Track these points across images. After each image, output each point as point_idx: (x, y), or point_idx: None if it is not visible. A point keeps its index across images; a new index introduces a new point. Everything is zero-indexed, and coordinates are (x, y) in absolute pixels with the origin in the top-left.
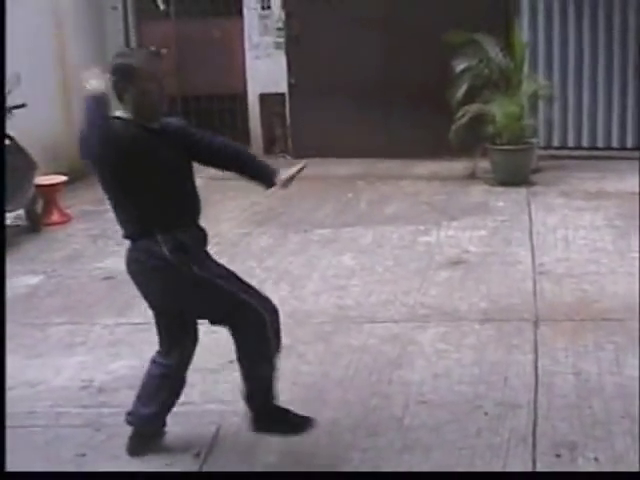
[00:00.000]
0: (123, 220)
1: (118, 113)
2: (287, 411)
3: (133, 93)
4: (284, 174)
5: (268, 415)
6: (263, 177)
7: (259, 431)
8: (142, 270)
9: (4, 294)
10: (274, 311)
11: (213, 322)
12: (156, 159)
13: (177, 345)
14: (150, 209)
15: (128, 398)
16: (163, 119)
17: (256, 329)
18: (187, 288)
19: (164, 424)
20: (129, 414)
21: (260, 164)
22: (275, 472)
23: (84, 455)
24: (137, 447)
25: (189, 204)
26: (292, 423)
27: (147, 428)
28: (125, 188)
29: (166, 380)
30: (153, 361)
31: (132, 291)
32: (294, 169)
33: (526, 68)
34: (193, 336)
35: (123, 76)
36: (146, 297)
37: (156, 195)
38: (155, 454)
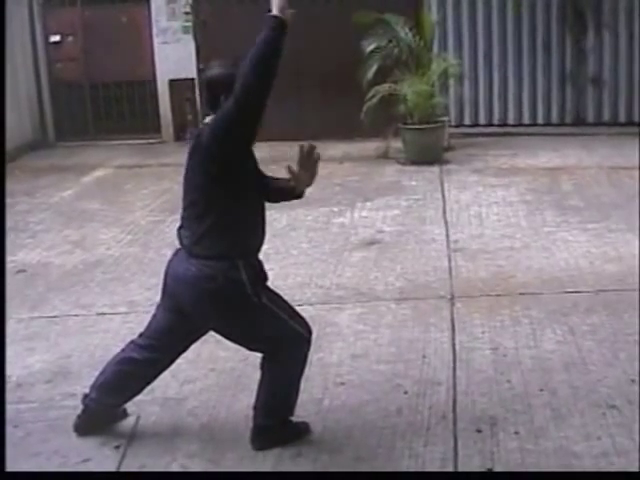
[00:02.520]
0: (203, 234)
1: (208, 120)
2: (290, 421)
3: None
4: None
5: (275, 429)
6: (273, 32)
7: (264, 448)
8: (216, 290)
9: (4, 298)
10: (310, 333)
11: (252, 348)
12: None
13: (169, 349)
14: (241, 230)
15: (45, 393)
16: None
17: (298, 354)
18: (250, 315)
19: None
20: (90, 399)
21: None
22: (275, 472)
23: None
24: (87, 427)
25: (263, 230)
26: (293, 432)
27: (106, 414)
28: (230, 201)
29: (142, 375)
30: (130, 355)
31: (45, 284)
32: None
33: (436, 47)
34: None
35: (224, 87)
36: (188, 309)
37: (254, 216)
38: (74, 449)
